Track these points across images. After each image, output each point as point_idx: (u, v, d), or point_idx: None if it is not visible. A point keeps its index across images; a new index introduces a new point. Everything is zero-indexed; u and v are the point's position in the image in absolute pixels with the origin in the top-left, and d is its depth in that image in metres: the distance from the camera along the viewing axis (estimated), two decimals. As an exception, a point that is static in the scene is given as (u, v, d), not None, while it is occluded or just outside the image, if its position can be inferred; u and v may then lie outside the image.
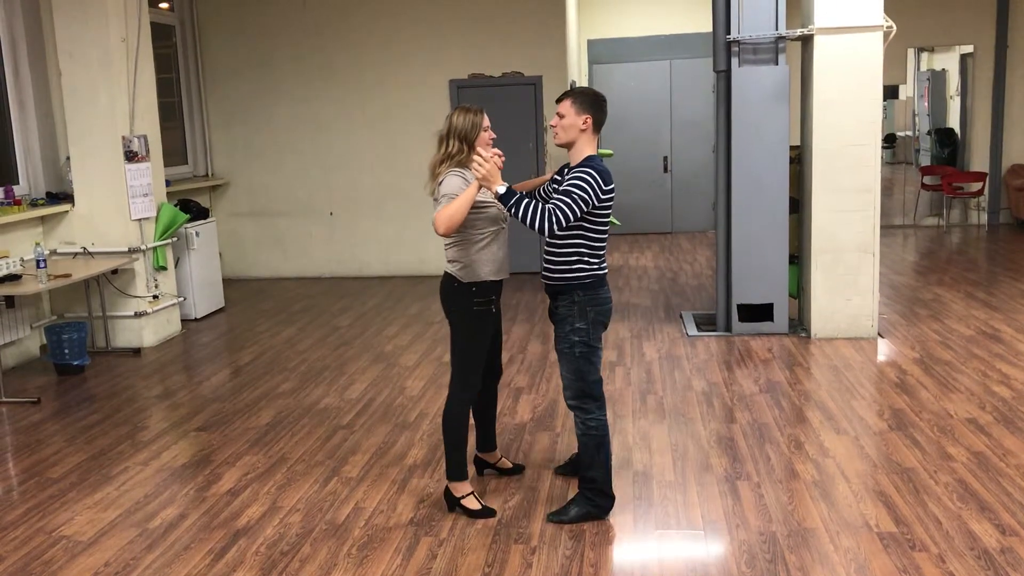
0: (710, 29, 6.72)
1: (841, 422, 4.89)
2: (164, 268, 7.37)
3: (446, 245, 3.92)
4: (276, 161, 9.81)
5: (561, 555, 3.56)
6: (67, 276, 6.18)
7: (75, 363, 6.39)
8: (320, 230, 9.89)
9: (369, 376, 6.10)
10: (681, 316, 7.40)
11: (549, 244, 3.79)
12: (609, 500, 3.87)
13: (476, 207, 3.76)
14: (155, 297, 7.26)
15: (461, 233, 3.81)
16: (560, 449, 4.63)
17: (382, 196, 9.71)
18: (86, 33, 6.75)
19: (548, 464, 4.45)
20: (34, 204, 6.85)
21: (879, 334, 6.55)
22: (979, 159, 11.53)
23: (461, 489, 3.96)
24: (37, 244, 6.26)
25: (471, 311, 3.89)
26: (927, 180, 12.07)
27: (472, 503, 3.94)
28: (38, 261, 6.00)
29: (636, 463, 4.44)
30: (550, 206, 3.58)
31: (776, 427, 4.85)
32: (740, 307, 6.71)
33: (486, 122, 3.89)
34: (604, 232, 3.76)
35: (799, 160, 6.76)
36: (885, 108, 6.66)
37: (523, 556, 3.56)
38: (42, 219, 6.94)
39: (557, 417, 5.14)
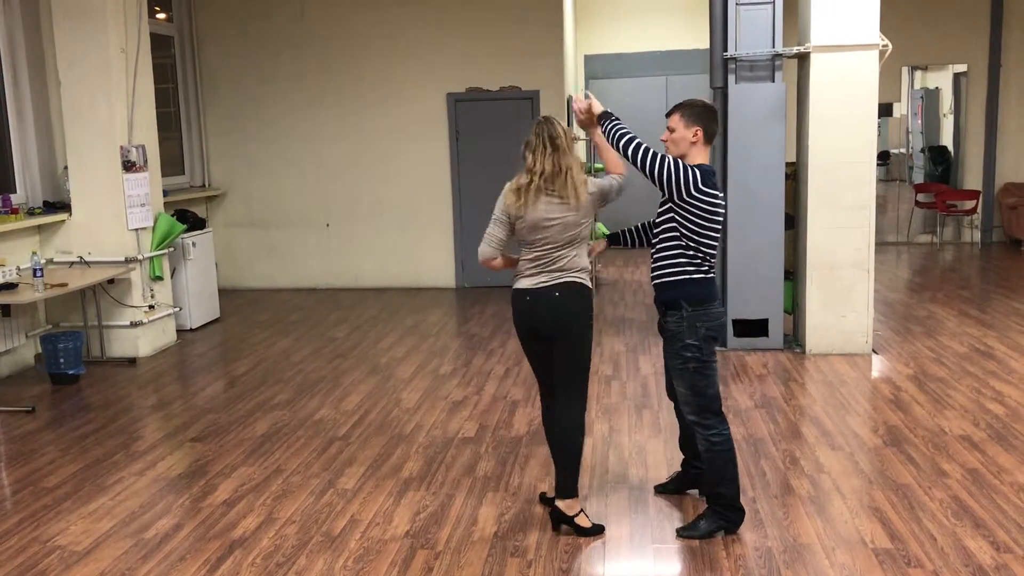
0: (707, 46, 6.77)
1: (836, 438, 4.91)
2: (160, 278, 7.37)
3: (572, 254, 3.73)
4: (273, 172, 9.83)
5: (557, 569, 3.56)
6: (63, 285, 6.18)
7: (70, 372, 6.38)
8: (316, 241, 9.90)
9: (365, 388, 6.11)
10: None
11: (658, 257, 3.76)
12: (740, 514, 3.81)
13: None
14: (151, 307, 7.25)
15: (581, 240, 3.76)
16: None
17: (378, 208, 9.73)
18: (85, 43, 6.77)
19: (544, 477, 4.45)
20: (31, 213, 6.85)
21: (873, 350, 6.57)
22: (972, 177, 11.61)
23: (574, 507, 3.83)
24: (34, 253, 6.25)
25: (592, 317, 3.82)
26: (921, 198, 12.14)
27: (584, 521, 3.83)
28: (35, 270, 6.00)
29: (632, 477, 4.44)
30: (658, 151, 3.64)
31: (771, 442, 4.87)
32: (735, 322, 6.73)
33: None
34: (714, 244, 3.71)
35: (795, 176, 6.80)
36: (879, 126, 6.71)
37: (519, 570, 3.56)
38: (39, 228, 6.94)
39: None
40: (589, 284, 3.81)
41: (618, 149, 3.70)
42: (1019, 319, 7.43)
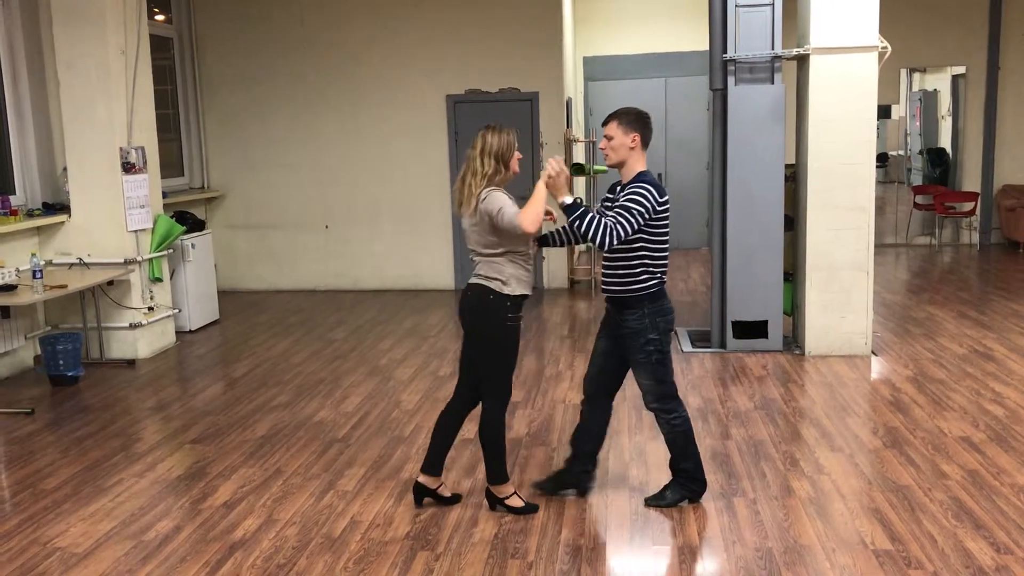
0: (706, 47, 6.78)
1: (836, 439, 4.91)
2: (160, 279, 7.36)
3: (484, 259, 3.91)
4: (272, 174, 9.83)
5: (558, 570, 3.56)
6: (63, 287, 6.17)
7: (69, 374, 6.38)
8: (315, 243, 9.90)
9: (364, 390, 6.10)
10: (676, 332, 7.43)
11: (611, 258, 3.93)
12: (702, 485, 4.13)
13: None
14: (150, 308, 7.25)
15: (505, 248, 3.85)
16: (557, 464, 4.63)
17: (378, 210, 9.73)
18: (85, 44, 6.77)
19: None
20: (30, 214, 6.84)
21: (873, 352, 6.58)
22: (971, 179, 11.63)
23: (506, 490, 4.07)
24: (33, 254, 6.25)
25: (505, 326, 3.91)
26: (919, 199, 12.15)
27: (516, 501, 4.07)
28: (34, 271, 6.00)
29: (632, 479, 4.45)
30: (609, 219, 3.73)
31: (771, 444, 4.87)
32: (735, 324, 6.74)
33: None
34: (665, 243, 3.92)
35: (794, 178, 6.81)
36: (878, 128, 6.71)
37: (520, 571, 3.56)
38: (38, 229, 6.94)
39: (553, 431, 5.15)
40: (494, 288, 3.86)
41: (584, 238, 3.83)
42: (1018, 321, 7.44)
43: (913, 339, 6.97)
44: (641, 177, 3.85)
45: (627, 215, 3.73)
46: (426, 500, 4.18)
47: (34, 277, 6.00)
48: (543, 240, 4.13)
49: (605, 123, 3.94)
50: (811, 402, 5.60)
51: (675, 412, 4.05)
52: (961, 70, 11.64)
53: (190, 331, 8.02)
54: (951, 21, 11.27)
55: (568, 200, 3.77)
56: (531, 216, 3.70)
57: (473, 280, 3.96)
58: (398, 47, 9.45)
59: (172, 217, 7.89)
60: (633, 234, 3.77)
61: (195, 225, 8.30)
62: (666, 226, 3.90)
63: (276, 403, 5.86)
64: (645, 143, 3.93)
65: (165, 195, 7.98)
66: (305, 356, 7.06)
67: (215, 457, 4.91)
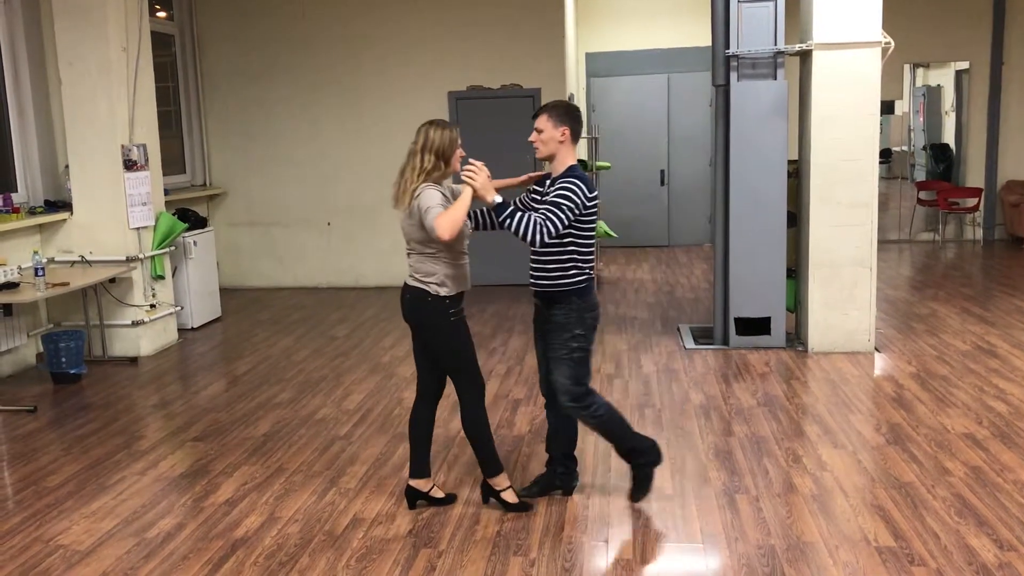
0: (708, 43, 6.76)
1: (839, 436, 4.90)
2: (162, 277, 7.36)
3: (419, 257, 3.87)
4: (274, 171, 9.82)
5: (560, 568, 3.56)
6: (65, 284, 6.17)
7: (72, 372, 6.38)
8: (317, 240, 9.90)
9: (366, 387, 6.10)
10: (678, 329, 7.41)
11: (540, 253, 3.90)
12: (655, 449, 4.15)
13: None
14: (152, 306, 7.25)
15: (441, 248, 3.82)
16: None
17: (379, 207, 9.71)
18: (86, 42, 6.77)
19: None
20: (32, 212, 6.84)
21: (876, 348, 6.56)
22: (974, 175, 11.59)
23: (502, 483, 4.07)
24: (35, 252, 6.25)
25: (449, 322, 3.90)
26: (923, 195, 12.12)
27: (511, 496, 4.07)
28: (36, 269, 6.00)
29: (634, 476, 4.44)
30: (538, 216, 3.72)
31: (774, 441, 4.86)
32: (737, 320, 6.72)
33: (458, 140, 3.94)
34: (591, 238, 3.92)
35: (797, 174, 6.79)
36: (881, 123, 6.68)
37: (522, 568, 3.55)
38: (40, 227, 6.94)
39: (555, 429, 5.13)
40: (430, 290, 3.83)
41: (516, 235, 3.73)
42: (1022, 317, 7.42)
43: (916, 335, 6.95)
44: (571, 172, 3.84)
45: (557, 211, 3.70)
46: (419, 502, 4.16)
47: (36, 275, 6.00)
48: (475, 225, 4.05)
49: (535, 116, 3.93)
50: (814, 399, 5.59)
51: (593, 404, 3.98)
52: (965, 65, 11.61)
53: (192, 328, 8.02)
54: (955, 16, 11.24)
55: (497, 199, 3.71)
56: (447, 222, 3.61)
57: (410, 281, 3.91)
58: (400, 43, 9.44)
59: (174, 214, 7.90)
60: (564, 230, 3.75)
61: (197, 222, 8.30)
62: (593, 222, 3.87)
63: (278, 401, 5.86)
64: (575, 136, 3.93)
65: (167, 192, 7.98)
66: (307, 353, 7.06)
67: (217, 455, 4.91)
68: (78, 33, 6.77)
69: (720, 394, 5.70)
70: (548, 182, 3.94)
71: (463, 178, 3.73)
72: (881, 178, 6.85)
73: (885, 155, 13.44)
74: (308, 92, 9.63)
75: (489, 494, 4.12)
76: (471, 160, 3.77)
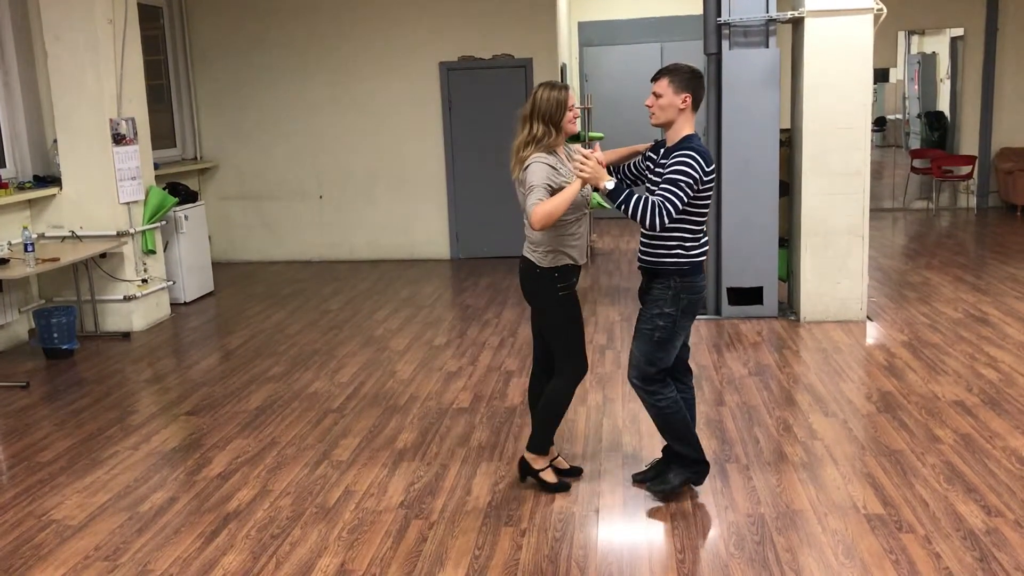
0: (701, 12, 6.70)
1: (830, 405, 4.92)
2: (153, 252, 7.34)
3: (527, 227, 3.75)
4: (265, 144, 9.77)
5: (551, 537, 3.58)
6: (55, 260, 6.15)
7: (64, 347, 6.37)
8: (310, 213, 9.86)
9: (359, 360, 6.10)
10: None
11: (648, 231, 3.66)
12: (704, 466, 3.86)
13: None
14: (144, 281, 7.23)
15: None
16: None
17: (372, 179, 9.68)
18: (72, 15, 6.69)
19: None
20: (21, 187, 6.80)
21: (868, 317, 6.57)
22: (969, 142, 11.56)
23: (541, 462, 3.99)
24: (25, 228, 6.21)
25: (557, 296, 3.79)
26: (917, 163, 12.09)
27: (550, 476, 3.98)
28: (26, 245, 5.97)
29: (625, 446, 4.46)
30: (656, 199, 3.47)
31: (765, 410, 4.88)
32: (730, 290, 6.73)
33: (571, 100, 3.70)
34: (704, 215, 3.65)
35: (789, 143, 6.76)
36: (875, 91, 6.66)
37: (513, 539, 3.57)
38: (30, 203, 6.90)
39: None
40: (536, 260, 3.75)
41: (634, 220, 3.52)
42: (1014, 284, 7.43)
43: (909, 304, 6.96)
44: (687, 143, 3.56)
45: (675, 189, 3.45)
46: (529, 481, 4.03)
47: (26, 250, 5.97)
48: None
49: (655, 79, 3.64)
50: (805, 368, 5.61)
51: (658, 393, 3.75)
52: (959, 32, 11.53)
53: (184, 303, 8.00)
54: (949, -18, 11.15)
55: (610, 185, 3.49)
56: (543, 214, 3.50)
57: (524, 251, 3.82)
58: (391, 14, 9.35)
59: (165, 188, 7.85)
60: (684, 193, 3.47)
61: (188, 196, 8.25)
62: (708, 198, 3.61)
63: (271, 374, 5.86)
64: (696, 104, 3.63)
65: (157, 166, 7.92)
66: (300, 327, 7.06)
67: (210, 428, 4.92)
68: (64, 6, 6.69)
69: (712, 364, 5.71)
70: (663, 151, 3.69)
71: (573, 170, 3.57)
72: (876, 146, 6.85)
73: (880, 123, 13.41)
74: (299, 64, 9.55)
75: (526, 473, 4.02)
76: (580, 150, 3.59)
